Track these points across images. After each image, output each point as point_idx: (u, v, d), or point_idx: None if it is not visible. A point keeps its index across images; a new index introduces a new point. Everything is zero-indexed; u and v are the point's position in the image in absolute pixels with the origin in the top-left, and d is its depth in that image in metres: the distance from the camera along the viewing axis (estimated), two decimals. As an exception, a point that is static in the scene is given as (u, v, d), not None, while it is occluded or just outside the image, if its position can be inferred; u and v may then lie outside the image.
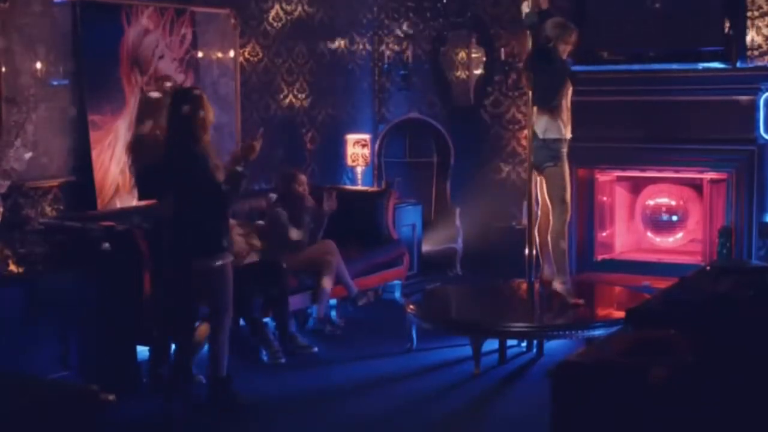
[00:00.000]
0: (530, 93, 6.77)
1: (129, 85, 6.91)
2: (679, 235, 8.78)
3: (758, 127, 7.80)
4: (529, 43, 6.82)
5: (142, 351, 5.94)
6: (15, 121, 6.25)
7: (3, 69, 6.17)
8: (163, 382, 5.74)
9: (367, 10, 9.32)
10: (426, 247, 8.61)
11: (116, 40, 6.85)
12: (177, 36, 7.26)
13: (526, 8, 6.72)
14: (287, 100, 8.49)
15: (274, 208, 7.05)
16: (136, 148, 6.21)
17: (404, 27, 9.31)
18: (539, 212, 6.78)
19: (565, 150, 6.57)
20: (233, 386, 5.53)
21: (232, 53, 7.85)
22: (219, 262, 5.38)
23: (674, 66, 8.12)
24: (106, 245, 5.72)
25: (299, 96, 8.59)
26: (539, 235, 6.77)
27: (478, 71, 9.21)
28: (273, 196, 7.29)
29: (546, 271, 6.74)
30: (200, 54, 7.51)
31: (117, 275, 5.76)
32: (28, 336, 5.36)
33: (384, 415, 5.53)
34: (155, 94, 6.39)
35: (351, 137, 8.80)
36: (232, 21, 7.84)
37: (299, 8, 8.54)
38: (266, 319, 6.53)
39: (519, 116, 8.90)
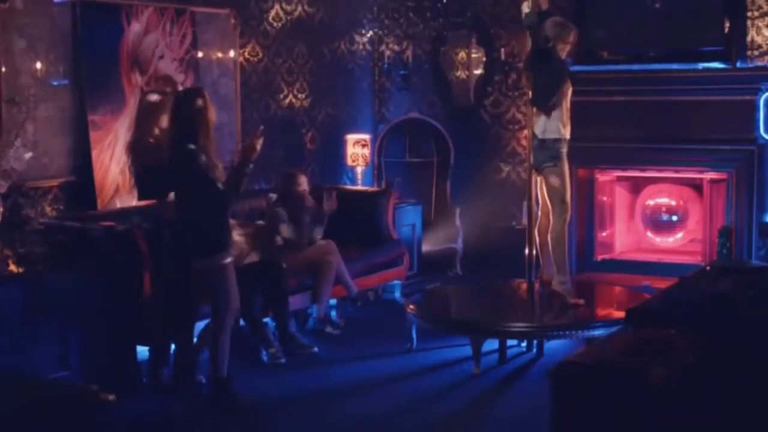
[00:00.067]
0: (530, 93, 6.78)
1: (129, 85, 6.91)
2: (679, 235, 8.78)
3: (758, 127, 7.80)
4: (529, 43, 6.83)
5: (142, 351, 5.94)
6: (15, 121, 6.25)
7: (3, 69, 6.18)
8: (164, 382, 5.75)
9: (367, 10, 9.32)
10: (426, 247, 8.61)
11: (116, 40, 6.85)
12: (177, 36, 7.26)
13: (526, 8, 6.73)
14: (287, 100, 8.49)
15: (274, 208, 7.05)
16: (136, 148, 6.21)
17: (404, 27, 9.31)
18: (539, 212, 6.79)
19: (564, 150, 6.57)
20: (233, 386, 5.53)
21: (232, 53, 7.85)
22: (219, 262, 5.38)
23: (674, 66, 8.11)
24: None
25: (299, 96, 8.59)
26: (539, 235, 6.77)
27: (478, 71, 9.21)
28: (273, 196, 7.29)
29: (546, 271, 6.74)
30: (200, 54, 7.51)
31: (117, 275, 5.76)
32: (28, 336, 5.36)
33: (384, 415, 5.53)
34: (155, 97, 6.39)
35: (351, 137, 8.80)
36: (232, 21, 7.85)
37: (299, 8, 8.54)
38: (266, 319, 6.53)
39: (519, 116, 8.90)
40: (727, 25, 7.89)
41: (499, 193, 9.01)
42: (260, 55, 8.18)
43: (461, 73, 9.31)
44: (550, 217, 6.62)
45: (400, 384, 6.04)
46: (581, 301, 6.55)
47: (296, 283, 6.73)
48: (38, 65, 6.41)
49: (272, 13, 8.28)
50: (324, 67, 8.83)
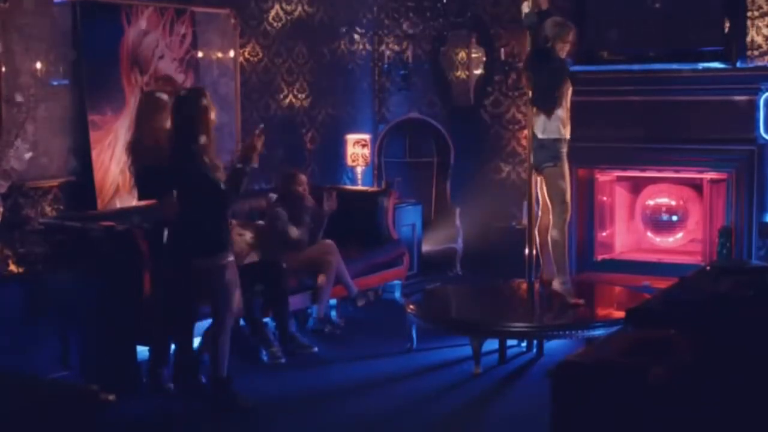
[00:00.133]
0: (530, 93, 6.78)
1: (129, 85, 6.91)
2: (679, 235, 8.78)
3: (758, 127, 7.80)
4: (529, 43, 6.83)
5: (142, 351, 5.94)
6: (15, 121, 6.25)
7: (3, 69, 6.17)
8: (164, 382, 5.75)
9: (367, 10, 9.32)
10: (426, 247, 8.61)
11: (116, 40, 6.85)
12: (177, 36, 7.26)
13: (526, 8, 6.73)
14: (287, 100, 8.49)
15: (274, 208, 7.05)
16: (136, 148, 6.21)
17: (404, 27, 9.31)
18: (539, 212, 6.79)
19: (564, 150, 6.58)
20: (233, 386, 5.53)
21: (232, 53, 7.85)
22: (219, 262, 5.38)
23: (674, 66, 8.11)
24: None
25: (299, 96, 8.59)
26: (539, 235, 6.77)
27: (478, 71, 9.21)
28: (273, 196, 7.29)
29: (546, 271, 6.74)
30: (200, 54, 7.51)
31: (117, 275, 5.76)
32: (28, 336, 5.37)
33: (384, 415, 5.53)
34: (157, 96, 6.38)
35: (351, 137, 8.80)
36: (232, 21, 7.84)
37: (299, 8, 8.54)
38: (266, 319, 6.53)
39: (519, 116, 8.90)
40: (727, 25, 7.89)
41: (499, 193, 9.01)
42: (260, 55, 8.18)
43: (461, 73, 9.30)
44: (550, 217, 6.63)
45: (400, 384, 6.04)
46: (581, 301, 6.55)
47: (296, 283, 6.73)
48: (38, 65, 6.41)
49: (272, 13, 8.28)
50: (324, 67, 8.83)
